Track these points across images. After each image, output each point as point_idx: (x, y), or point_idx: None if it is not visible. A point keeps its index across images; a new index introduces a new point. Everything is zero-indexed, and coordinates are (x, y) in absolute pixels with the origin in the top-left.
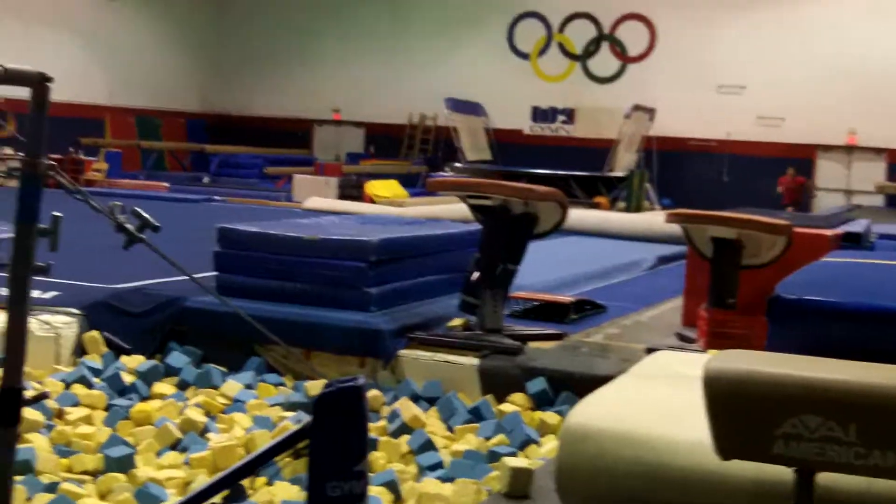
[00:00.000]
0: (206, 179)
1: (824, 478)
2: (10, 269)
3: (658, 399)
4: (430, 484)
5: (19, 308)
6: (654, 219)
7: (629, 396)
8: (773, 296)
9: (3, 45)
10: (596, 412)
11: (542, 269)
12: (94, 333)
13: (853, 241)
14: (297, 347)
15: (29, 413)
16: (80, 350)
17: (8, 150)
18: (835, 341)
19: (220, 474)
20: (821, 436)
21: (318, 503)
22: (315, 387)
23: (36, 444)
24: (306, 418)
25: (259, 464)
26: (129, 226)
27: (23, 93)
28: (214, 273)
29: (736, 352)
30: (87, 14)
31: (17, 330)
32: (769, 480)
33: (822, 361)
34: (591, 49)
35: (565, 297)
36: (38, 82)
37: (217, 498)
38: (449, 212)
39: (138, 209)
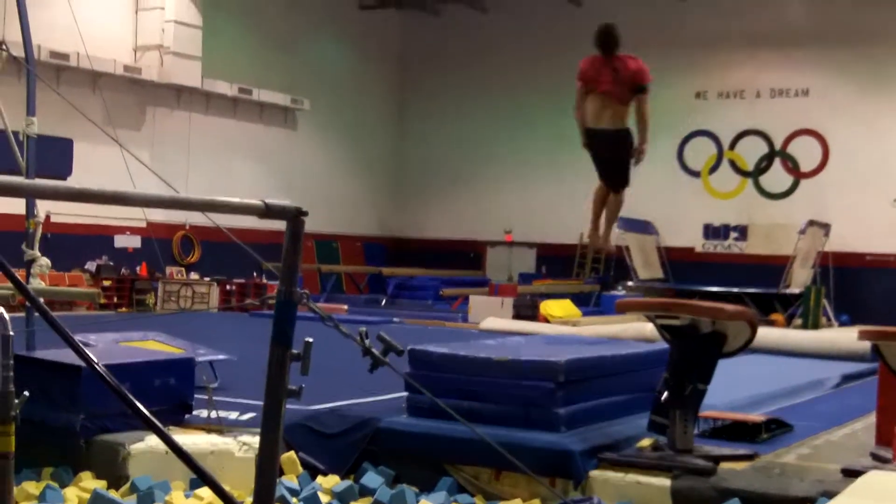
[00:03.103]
0: (383, 302)
1: None
2: (266, 392)
3: None
4: None
5: (273, 430)
6: (838, 335)
7: None
8: None
9: (195, 173)
10: None
11: (726, 387)
12: (291, 454)
13: None
14: (486, 468)
15: None
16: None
17: (194, 276)
18: None
19: None
20: None
21: None
22: None
23: None
24: None
25: None
26: (374, 350)
27: (208, 220)
28: (405, 394)
29: None
30: (268, 142)
31: (270, 452)
32: None
33: None
34: (763, 165)
35: (755, 417)
36: (294, 217)
37: None
38: (623, 331)
39: (383, 334)
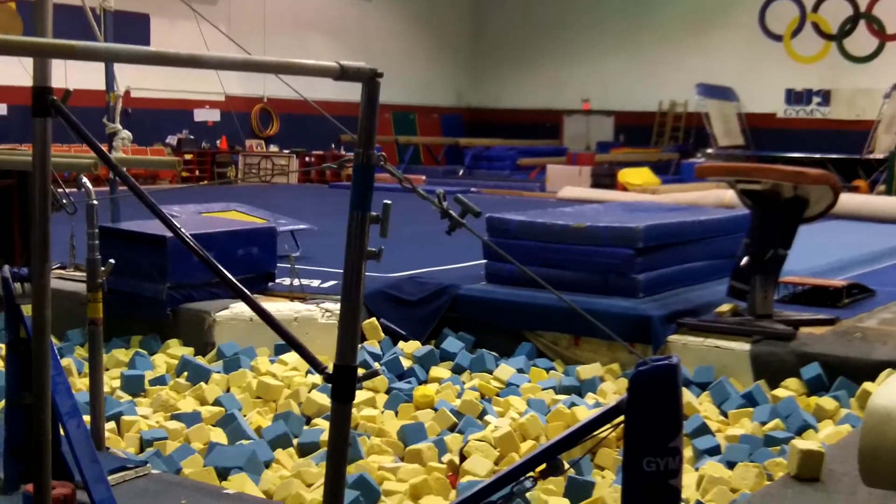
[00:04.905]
0: (461, 172)
1: None
2: (346, 254)
3: None
4: (712, 467)
5: (354, 291)
6: None
7: None
8: None
9: (271, 47)
10: None
11: (807, 253)
12: (373, 320)
13: None
14: (565, 334)
15: (316, 397)
16: (360, 337)
17: (274, 148)
18: None
19: (539, 448)
20: None
21: (635, 478)
22: (586, 371)
23: (324, 426)
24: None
25: (578, 438)
26: (452, 212)
27: (285, 93)
28: (483, 261)
29: None
30: (343, 14)
31: (352, 311)
32: None
33: None
34: (848, 28)
35: (836, 282)
36: (370, 78)
37: (535, 472)
38: (702, 198)
39: (461, 196)
